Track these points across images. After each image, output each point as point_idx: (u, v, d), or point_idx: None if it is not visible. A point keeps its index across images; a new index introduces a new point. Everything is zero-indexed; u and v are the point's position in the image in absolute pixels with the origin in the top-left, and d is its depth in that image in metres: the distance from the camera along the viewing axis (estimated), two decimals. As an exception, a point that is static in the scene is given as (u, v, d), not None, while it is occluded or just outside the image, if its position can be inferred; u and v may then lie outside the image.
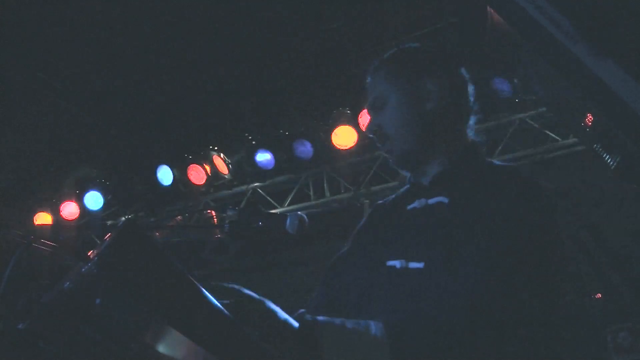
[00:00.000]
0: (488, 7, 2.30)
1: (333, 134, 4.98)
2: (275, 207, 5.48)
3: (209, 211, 5.57)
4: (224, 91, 5.02)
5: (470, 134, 1.65)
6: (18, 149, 5.41)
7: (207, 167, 5.51)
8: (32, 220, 5.76)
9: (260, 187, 5.65)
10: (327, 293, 1.61)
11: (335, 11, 4.31)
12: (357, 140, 4.94)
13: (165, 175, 5.46)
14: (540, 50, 2.10)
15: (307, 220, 1.61)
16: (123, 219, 5.71)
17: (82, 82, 4.83)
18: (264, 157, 5.23)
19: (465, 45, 4.00)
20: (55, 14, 4.09)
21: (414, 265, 1.41)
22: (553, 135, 4.64)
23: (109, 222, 5.84)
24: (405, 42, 1.92)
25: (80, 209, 5.73)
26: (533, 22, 2.09)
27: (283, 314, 1.18)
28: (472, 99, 1.67)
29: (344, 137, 4.98)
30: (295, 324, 1.17)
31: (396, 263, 1.44)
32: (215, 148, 5.51)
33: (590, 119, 2.16)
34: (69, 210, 5.76)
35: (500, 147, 4.74)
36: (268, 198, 5.57)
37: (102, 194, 5.65)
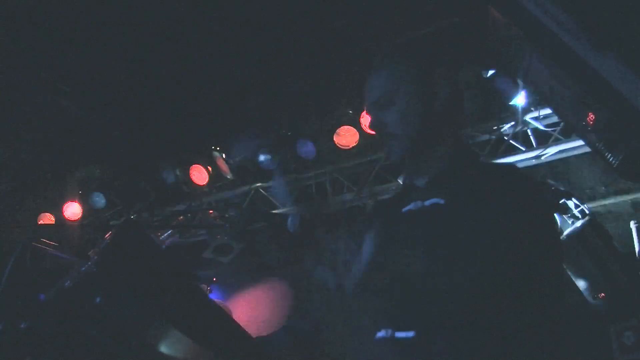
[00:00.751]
0: (489, 6, 2.31)
1: (335, 134, 4.98)
2: (277, 208, 5.48)
3: (211, 211, 5.58)
4: (226, 92, 5.03)
5: (468, 134, 1.65)
6: (21, 150, 5.43)
7: (210, 168, 5.52)
8: (36, 221, 5.78)
9: (263, 188, 5.65)
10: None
11: (338, 11, 4.31)
12: (360, 140, 4.94)
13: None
14: (542, 47, 2.10)
15: (307, 220, 1.61)
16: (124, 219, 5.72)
17: (86, 82, 4.84)
18: (266, 157, 5.24)
19: (466, 45, 4.00)
20: (58, 13, 4.10)
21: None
22: (556, 135, 4.62)
23: (111, 222, 5.85)
24: (408, 40, 1.92)
25: (83, 209, 5.75)
26: (535, 20, 2.09)
27: None
28: (472, 99, 1.67)
29: (346, 137, 4.98)
30: None
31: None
32: (218, 148, 5.52)
33: (592, 117, 2.16)
34: (72, 210, 5.78)
35: (502, 147, 4.72)
36: (270, 198, 5.57)
37: (104, 194, 5.67)
